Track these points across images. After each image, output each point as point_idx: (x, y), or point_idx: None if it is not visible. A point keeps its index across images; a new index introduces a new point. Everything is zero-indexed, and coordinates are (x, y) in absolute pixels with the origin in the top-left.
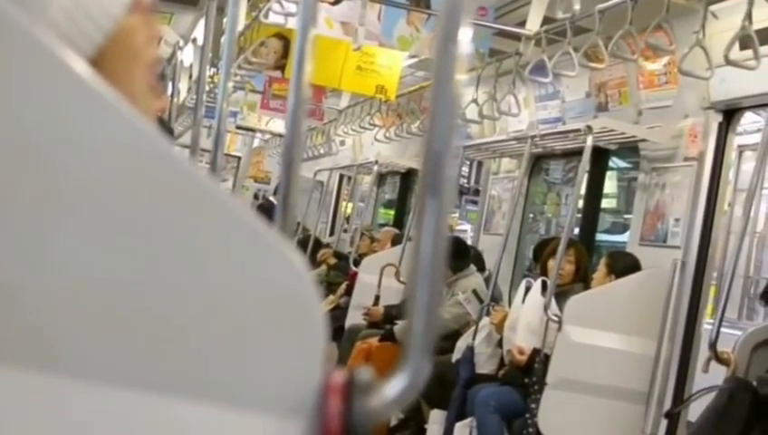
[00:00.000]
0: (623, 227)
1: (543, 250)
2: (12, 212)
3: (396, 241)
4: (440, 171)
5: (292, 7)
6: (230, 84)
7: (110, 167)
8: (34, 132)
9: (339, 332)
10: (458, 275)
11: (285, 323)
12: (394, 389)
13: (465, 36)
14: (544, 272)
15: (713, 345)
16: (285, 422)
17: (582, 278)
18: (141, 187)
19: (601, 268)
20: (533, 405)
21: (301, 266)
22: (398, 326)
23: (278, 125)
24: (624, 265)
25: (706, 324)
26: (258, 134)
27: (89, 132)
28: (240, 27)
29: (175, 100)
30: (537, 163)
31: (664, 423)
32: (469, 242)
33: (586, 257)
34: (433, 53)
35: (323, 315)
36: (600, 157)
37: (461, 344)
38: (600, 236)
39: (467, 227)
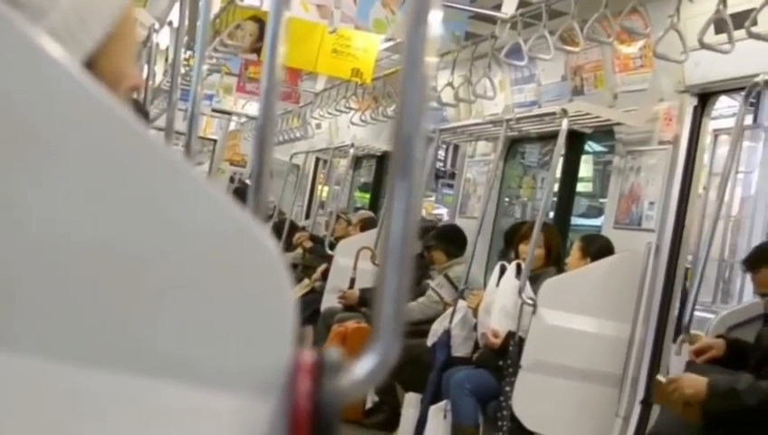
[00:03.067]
0: (598, 211)
1: (515, 234)
2: None
3: (369, 225)
4: (410, 154)
5: None
6: (205, 67)
7: (63, 123)
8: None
9: (315, 315)
10: (453, 262)
11: (253, 301)
12: (364, 368)
13: (436, 18)
14: (518, 256)
15: (686, 328)
16: (254, 402)
17: (555, 262)
18: (113, 153)
19: (575, 252)
20: (508, 388)
21: (270, 245)
22: None
23: (254, 108)
24: (598, 247)
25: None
26: (234, 117)
27: (39, 89)
28: (215, 10)
29: (150, 83)
30: (513, 147)
31: (637, 407)
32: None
33: (558, 241)
34: (403, 36)
35: (293, 294)
36: (576, 140)
37: (436, 327)
38: (575, 220)
39: (443, 210)
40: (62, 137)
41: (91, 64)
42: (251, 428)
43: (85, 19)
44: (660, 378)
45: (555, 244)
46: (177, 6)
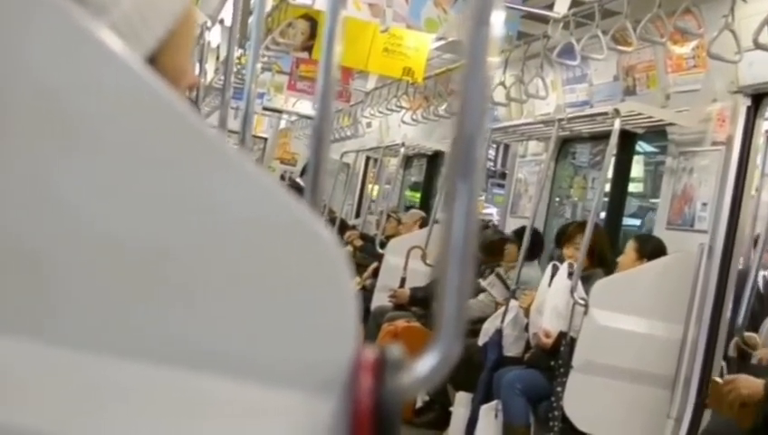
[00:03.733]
0: (647, 212)
1: (561, 235)
2: (27, 159)
3: (421, 224)
4: (471, 154)
5: None
6: (258, 65)
7: (121, 115)
8: (49, 81)
9: (365, 314)
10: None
11: (316, 298)
12: (425, 366)
13: (497, 19)
14: (562, 257)
15: (740, 330)
16: (315, 399)
17: (600, 262)
18: (159, 142)
19: (630, 252)
20: (559, 388)
21: (330, 241)
22: None
23: (305, 106)
24: (652, 248)
25: None
26: (284, 115)
27: (100, 81)
28: (267, 8)
29: (202, 80)
30: (564, 146)
31: (689, 408)
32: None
33: (603, 242)
34: (464, 36)
35: (354, 288)
36: (627, 141)
37: (487, 327)
38: (626, 221)
39: (493, 210)
40: (118, 129)
41: (153, 61)
42: (312, 425)
43: (147, 16)
44: (717, 379)
45: (600, 245)
46: (228, 4)
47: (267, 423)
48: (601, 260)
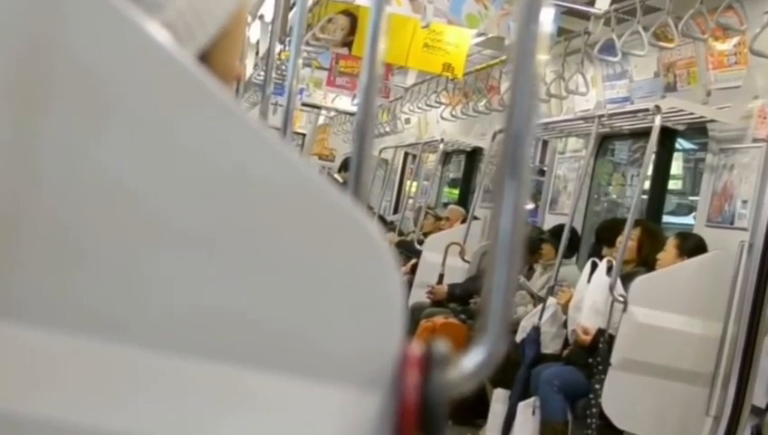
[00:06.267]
0: (688, 209)
1: (606, 231)
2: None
3: (463, 220)
4: (520, 152)
5: None
6: (299, 61)
7: (159, 96)
8: (90, 63)
9: None
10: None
11: (362, 290)
12: (472, 362)
13: (547, 17)
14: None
15: None
16: (360, 394)
17: (645, 261)
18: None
19: (670, 249)
20: (597, 385)
21: (376, 232)
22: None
23: (344, 102)
24: (693, 245)
25: None
26: (323, 111)
27: (139, 63)
28: (308, 4)
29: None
30: (603, 143)
31: (728, 406)
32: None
33: (651, 238)
34: (513, 34)
35: (401, 281)
36: (667, 138)
37: (525, 324)
38: (665, 218)
39: (531, 206)
40: (157, 110)
41: (204, 57)
42: (357, 420)
43: (201, 15)
44: None
45: (647, 240)
46: (268, 1)
47: (311, 418)
48: (645, 260)
